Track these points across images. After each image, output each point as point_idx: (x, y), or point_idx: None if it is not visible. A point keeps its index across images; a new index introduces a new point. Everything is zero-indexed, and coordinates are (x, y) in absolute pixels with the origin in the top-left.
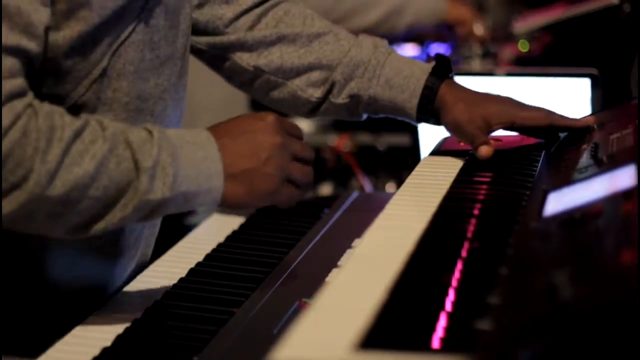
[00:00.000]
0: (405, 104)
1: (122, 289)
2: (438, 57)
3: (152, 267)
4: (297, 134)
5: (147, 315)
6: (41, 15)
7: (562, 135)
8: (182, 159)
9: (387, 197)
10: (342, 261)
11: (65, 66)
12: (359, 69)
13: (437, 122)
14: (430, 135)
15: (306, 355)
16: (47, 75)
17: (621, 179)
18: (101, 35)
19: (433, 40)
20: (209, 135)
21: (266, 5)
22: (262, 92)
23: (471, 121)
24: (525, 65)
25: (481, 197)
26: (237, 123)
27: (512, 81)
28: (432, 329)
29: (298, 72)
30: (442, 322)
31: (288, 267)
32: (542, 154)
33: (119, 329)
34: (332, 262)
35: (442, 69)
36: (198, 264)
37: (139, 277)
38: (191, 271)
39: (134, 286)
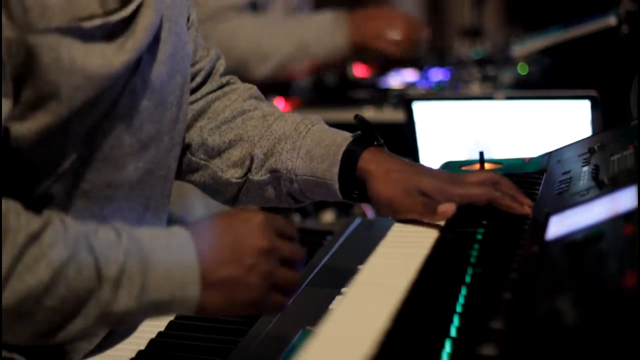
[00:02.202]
0: (325, 174)
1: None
2: (361, 122)
3: None
4: (289, 234)
5: (151, 346)
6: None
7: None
8: (153, 265)
9: (390, 224)
10: (346, 288)
11: (31, 158)
12: (280, 144)
13: (366, 199)
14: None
15: None
16: (13, 167)
17: (622, 201)
18: (71, 127)
19: (432, 65)
20: (188, 238)
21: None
22: (188, 174)
23: (407, 193)
24: (525, 88)
25: (483, 221)
26: (221, 222)
27: (511, 105)
28: (437, 355)
29: (220, 151)
30: (446, 348)
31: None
32: (544, 177)
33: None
34: (336, 290)
35: (367, 136)
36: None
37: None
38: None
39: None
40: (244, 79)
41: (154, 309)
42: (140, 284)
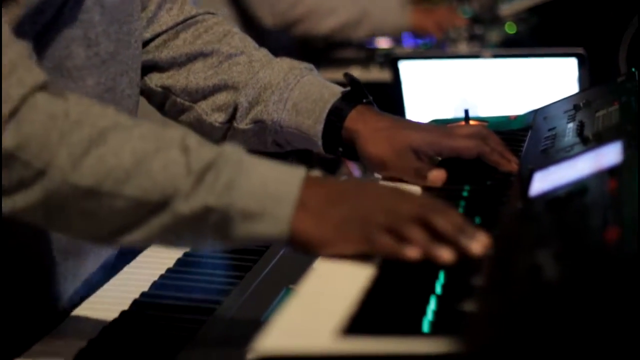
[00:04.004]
0: (309, 130)
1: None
2: (350, 79)
3: (144, 253)
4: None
5: (134, 306)
6: None
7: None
8: (248, 172)
9: (376, 181)
10: None
11: None
12: (265, 92)
13: (351, 156)
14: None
15: (289, 344)
16: None
17: (606, 156)
18: (23, 30)
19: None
20: (304, 173)
21: (189, 21)
22: (172, 117)
23: (398, 154)
24: (513, 47)
25: (468, 178)
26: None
27: (498, 63)
28: (422, 312)
29: (204, 94)
30: (431, 305)
31: (276, 254)
32: (529, 134)
33: (111, 314)
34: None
35: (356, 94)
36: (185, 254)
37: (126, 269)
38: (179, 261)
39: (120, 278)
40: (308, 30)
41: (241, 218)
42: (226, 183)
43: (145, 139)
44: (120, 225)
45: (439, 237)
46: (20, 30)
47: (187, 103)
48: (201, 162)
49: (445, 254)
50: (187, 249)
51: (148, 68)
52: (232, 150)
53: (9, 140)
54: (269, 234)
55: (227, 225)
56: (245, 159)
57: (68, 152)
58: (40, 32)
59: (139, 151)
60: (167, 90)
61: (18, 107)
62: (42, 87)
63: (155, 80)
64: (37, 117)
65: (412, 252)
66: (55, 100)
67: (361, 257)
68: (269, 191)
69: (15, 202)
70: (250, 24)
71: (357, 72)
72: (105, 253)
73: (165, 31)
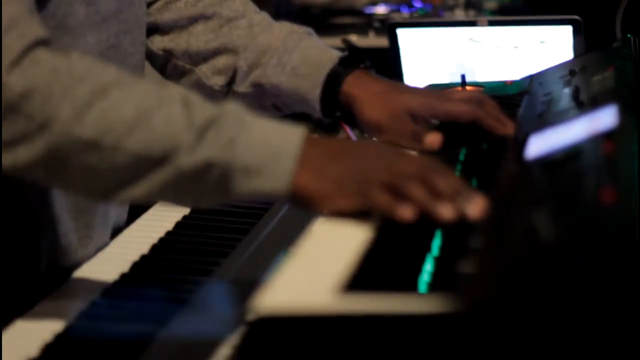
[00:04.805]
0: (308, 94)
1: (109, 244)
2: (348, 45)
3: (144, 216)
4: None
5: (134, 268)
6: None
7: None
8: (250, 129)
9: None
10: None
11: None
12: (265, 56)
13: (349, 120)
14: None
15: (288, 302)
16: None
17: (601, 120)
18: None
19: None
20: (304, 131)
21: None
22: (173, 79)
23: (395, 117)
24: (509, 14)
25: (464, 142)
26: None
27: (494, 30)
28: (418, 271)
29: (205, 57)
30: (428, 266)
31: (275, 217)
32: (525, 98)
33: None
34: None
35: (354, 59)
36: (184, 217)
37: (126, 231)
38: (178, 224)
39: (120, 240)
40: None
41: (243, 174)
42: (228, 139)
43: (147, 95)
44: (121, 180)
45: (437, 196)
46: None
47: (187, 66)
48: (203, 118)
49: (446, 211)
50: (187, 212)
51: (150, 31)
52: (234, 108)
53: (11, 92)
54: (269, 189)
55: (229, 180)
56: (247, 116)
57: (71, 106)
58: None
59: (140, 106)
60: (168, 53)
61: (20, 59)
62: (44, 43)
63: (156, 43)
64: (40, 71)
65: (407, 212)
66: (58, 56)
67: (360, 215)
68: (270, 147)
69: (17, 157)
70: None
71: (354, 39)
72: (114, 214)
73: None
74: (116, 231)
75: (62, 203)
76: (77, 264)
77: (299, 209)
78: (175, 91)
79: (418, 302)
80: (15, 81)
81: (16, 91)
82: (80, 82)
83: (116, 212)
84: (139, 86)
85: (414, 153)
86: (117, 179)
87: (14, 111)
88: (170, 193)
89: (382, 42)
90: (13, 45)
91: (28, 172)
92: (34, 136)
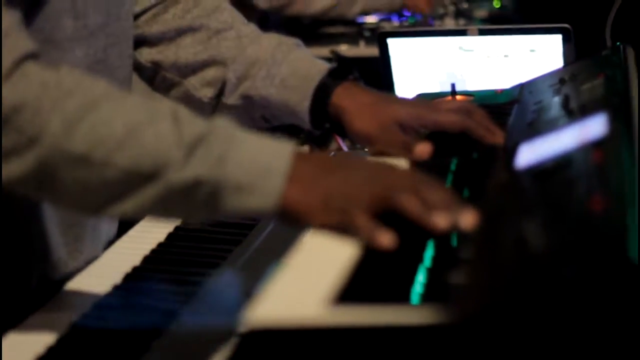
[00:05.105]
0: (297, 106)
1: (101, 256)
2: (336, 56)
3: (135, 227)
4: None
5: (127, 278)
6: None
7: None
8: (239, 146)
9: (365, 157)
10: None
11: None
12: (253, 68)
13: (338, 131)
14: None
15: (280, 315)
16: None
17: (591, 128)
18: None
19: None
20: (293, 147)
21: None
22: (162, 92)
23: (385, 128)
24: (499, 22)
25: (454, 151)
26: (350, 161)
27: (484, 40)
28: (410, 282)
29: (194, 69)
30: (420, 277)
31: (266, 228)
32: (515, 107)
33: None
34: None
35: (342, 71)
36: (176, 228)
37: (118, 243)
38: (170, 235)
39: (112, 252)
40: (301, 11)
41: (234, 190)
42: (217, 156)
43: (137, 110)
44: (111, 195)
45: (430, 207)
46: (9, 2)
47: (176, 78)
48: (192, 134)
49: (440, 221)
50: (179, 223)
51: (137, 43)
52: (223, 124)
53: (2, 105)
54: (258, 207)
55: (218, 197)
56: (236, 133)
57: (61, 119)
58: (29, 4)
59: (130, 121)
60: (156, 66)
61: (10, 72)
62: (33, 56)
63: (144, 55)
64: (29, 85)
65: (385, 240)
66: (47, 69)
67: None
68: (260, 164)
69: (8, 170)
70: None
71: (344, 48)
72: (105, 228)
73: (155, 5)
74: (107, 244)
75: (51, 217)
76: (68, 277)
77: (286, 226)
78: (165, 106)
79: (409, 314)
80: (6, 95)
81: (7, 105)
82: (70, 95)
83: (107, 225)
84: (128, 101)
85: (403, 163)
86: (107, 194)
87: (5, 125)
88: (160, 209)
89: (373, 51)
90: (3, 58)
91: (19, 185)
92: (24, 150)
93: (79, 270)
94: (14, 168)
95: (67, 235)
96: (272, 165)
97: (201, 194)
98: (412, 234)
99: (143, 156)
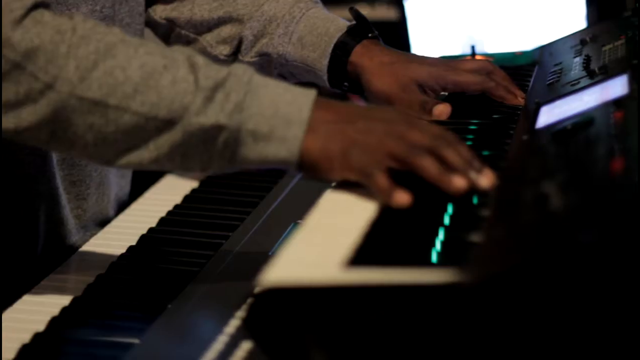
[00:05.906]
0: (315, 64)
1: (117, 218)
2: (356, 15)
3: (152, 189)
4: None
5: (142, 241)
6: None
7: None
8: (258, 93)
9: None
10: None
11: None
12: (271, 25)
13: (357, 91)
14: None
15: (296, 275)
16: None
17: (612, 88)
18: None
19: None
20: (315, 95)
21: None
22: None
23: (404, 88)
24: None
25: (474, 113)
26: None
27: (505, 0)
28: (430, 244)
29: (209, 26)
30: (439, 236)
31: (284, 189)
32: (535, 69)
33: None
34: (329, 184)
35: (361, 29)
36: (193, 190)
37: (134, 205)
38: (186, 197)
39: (127, 214)
40: None
41: (252, 139)
42: (236, 102)
43: (153, 56)
44: (127, 143)
45: (448, 168)
46: None
47: (191, 35)
48: (210, 80)
49: (458, 183)
50: (196, 185)
51: (152, 0)
52: (242, 70)
53: (14, 50)
54: (278, 156)
55: (237, 145)
56: (256, 79)
57: (76, 65)
58: None
59: (146, 66)
60: (171, 23)
61: (22, 17)
62: (44, 5)
63: (159, 12)
64: (44, 30)
65: (403, 198)
66: (60, 17)
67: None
68: (280, 113)
69: (20, 118)
70: None
71: (363, 10)
72: (114, 187)
73: None
74: (120, 205)
75: (56, 175)
76: (74, 239)
77: (306, 177)
78: (180, 53)
79: (428, 273)
80: (19, 39)
81: (20, 50)
82: (85, 41)
83: (117, 184)
84: (144, 47)
85: None
86: (123, 142)
87: (18, 69)
88: (177, 157)
89: (391, 13)
90: (14, 5)
91: (31, 134)
92: (38, 96)
93: (83, 228)
94: (27, 116)
95: (69, 192)
96: (293, 113)
97: (220, 141)
98: (432, 193)
99: (160, 101)
